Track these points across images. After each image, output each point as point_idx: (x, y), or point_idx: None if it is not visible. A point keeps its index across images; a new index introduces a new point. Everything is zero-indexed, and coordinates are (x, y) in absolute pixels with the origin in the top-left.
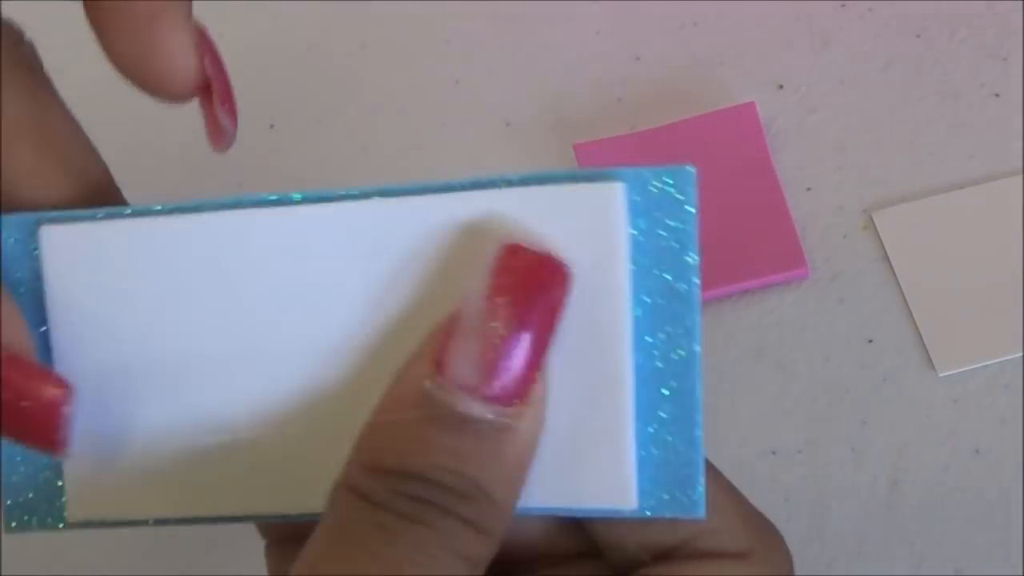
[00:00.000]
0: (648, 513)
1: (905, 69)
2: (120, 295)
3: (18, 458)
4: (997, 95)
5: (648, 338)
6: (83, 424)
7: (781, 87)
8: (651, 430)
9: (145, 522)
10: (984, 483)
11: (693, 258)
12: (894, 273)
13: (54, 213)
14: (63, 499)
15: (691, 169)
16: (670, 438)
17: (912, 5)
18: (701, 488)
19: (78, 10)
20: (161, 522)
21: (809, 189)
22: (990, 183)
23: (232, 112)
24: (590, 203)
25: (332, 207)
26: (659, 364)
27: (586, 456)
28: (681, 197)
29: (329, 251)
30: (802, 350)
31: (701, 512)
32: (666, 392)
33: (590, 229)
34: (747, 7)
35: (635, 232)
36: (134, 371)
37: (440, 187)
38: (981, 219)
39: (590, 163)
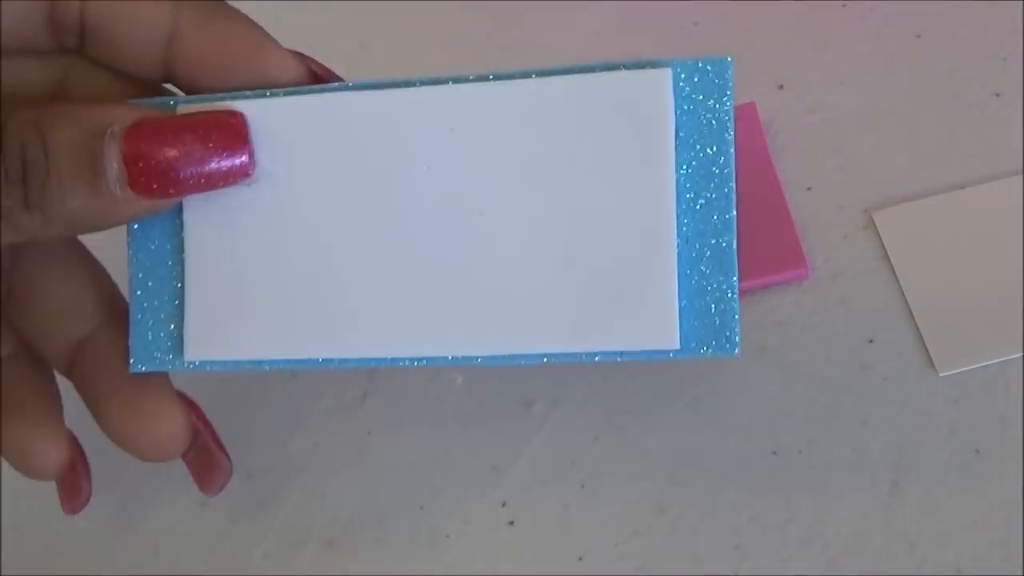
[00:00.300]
0: (690, 354)
1: (906, 69)
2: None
3: (145, 304)
4: (998, 95)
5: (690, 202)
6: (210, 265)
7: (781, 87)
8: (693, 281)
9: (257, 363)
10: (984, 483)
11: (730, 134)
12: (895, 273)
13: (188, 97)
14: (183, 342)
15: (729, 59)
16: (711, 288)
17: (913, 5)
18: (738, 331)
19: None
20: (270, 364)
21: (809, 189)
22: (991, 183)
23: (226, 461)
24: (643, 85)
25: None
26: (701, 225)
27: (635, 302)
28: (719, 82)
29: (407, 132)
30: (802, 350)
31: (737, 352)
32: (707, 250)
33: (643, 107)
34: (747, 7)
35: (680, 112)
36: (262, 224)
37: (514, 74)
38: (982, 219)
39: None
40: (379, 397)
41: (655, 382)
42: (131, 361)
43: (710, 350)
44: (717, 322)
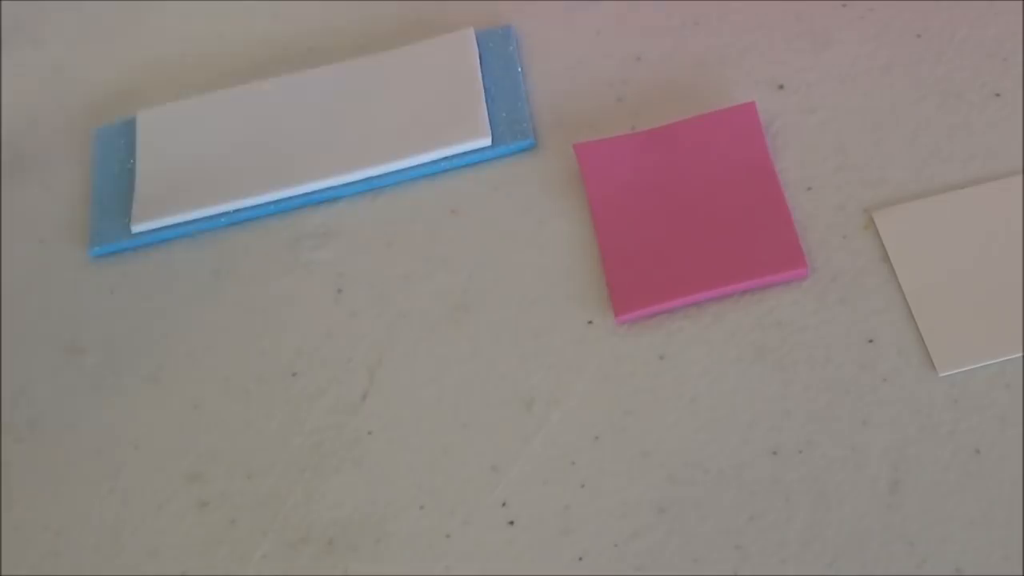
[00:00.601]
0: (501, 149)
1: (906, 69)
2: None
3: (102, 203)
4: (997, 95)
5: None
6: (154, 154)
7: (781, 87)
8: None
9: (190, 222)
10: (984, 483)
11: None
12: (894, 273)
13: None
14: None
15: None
16: (504, 112)
17: (913, 5)
18: (530, 129)
19: (79, 10)
20: (202, 223)
21: (809, 189)
22: (991, 183)
23: None
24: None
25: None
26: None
27: (455, 117)
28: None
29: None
30: (802, 350)
31: (533, 141)
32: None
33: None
34: (748, 7)
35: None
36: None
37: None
38: (982, 219)
39: (591, 163)
40: (379, 397)
41: (655, 381)
42: (90, 252)
43: (513, 143)
44: (514, 125)
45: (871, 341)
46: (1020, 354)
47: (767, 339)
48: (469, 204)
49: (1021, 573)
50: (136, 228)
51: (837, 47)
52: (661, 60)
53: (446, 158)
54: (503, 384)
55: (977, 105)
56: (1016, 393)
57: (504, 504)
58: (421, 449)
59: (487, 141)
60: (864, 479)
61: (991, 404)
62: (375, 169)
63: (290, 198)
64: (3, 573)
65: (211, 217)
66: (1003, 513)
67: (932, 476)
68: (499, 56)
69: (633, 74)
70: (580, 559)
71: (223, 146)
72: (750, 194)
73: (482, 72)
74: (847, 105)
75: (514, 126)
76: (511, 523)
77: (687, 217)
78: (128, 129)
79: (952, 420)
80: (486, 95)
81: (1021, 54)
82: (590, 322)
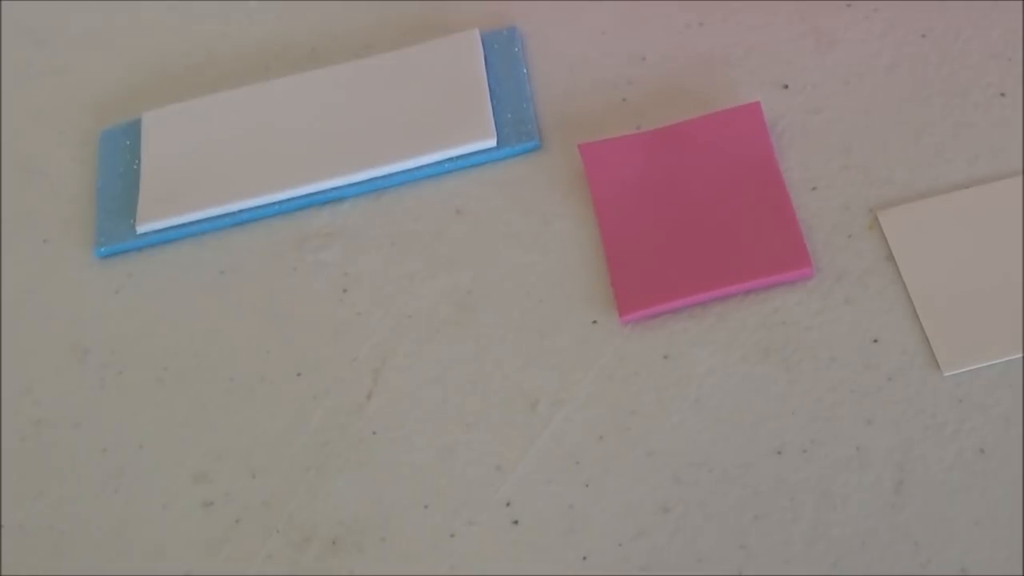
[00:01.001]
0: (505, 150)
1: (911, 69)
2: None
3: (108, 203)
4: (1002, 95)
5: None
6: (159, 156)
7: (786, 87)
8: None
9: (195, 223)
10: (989, 483)
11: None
12: (899, 273)
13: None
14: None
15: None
16: (509, 113)
17: (918, 5)
18: (535, 130)
19: (83, 11)
20: (203, 224)
21: (814, 189)
22: (996, 183)
23: None
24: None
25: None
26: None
27: (460, 118)
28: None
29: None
30: (807, 350)
31: (538, 142)
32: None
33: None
34: (753, 7)
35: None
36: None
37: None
38: (987, 219)
39: (595, 163)
40: (383, 397)
41: (659, 381)
42: (96, 250)
43: (517, 144)
44: (519, 127)
45: (876, 341)
46: None
47: (772, 339)
48: (474, 204)
49: None
50: (141, 228)
51: (842, 47)
52: (666, 60)
53: (451, 159)
54: (507, 384)
55: (982, 105)
56: (1021, 393)
57: (508, 504)
58: (425, 449)
59: (492, 142)
60: (869, 479)
61: (996, 404)
62: (380, 169)
63: (295, 198)
64: (5, 573)
65: (216, 217)
66: (1008, 513)
67: (937, 476)
68: (504, 57)
69: (638, 74)
70: (584, 559)
71: (228, 147)
72: (755, 194)
73: (487, 73)
74: (852, 105)
75: (519, 127)
76: (515, 523)
77: (692, 217)
78: (133, 130)
79: (957, 420)
80: (491, 96)
81: None
82: (595, 322)
